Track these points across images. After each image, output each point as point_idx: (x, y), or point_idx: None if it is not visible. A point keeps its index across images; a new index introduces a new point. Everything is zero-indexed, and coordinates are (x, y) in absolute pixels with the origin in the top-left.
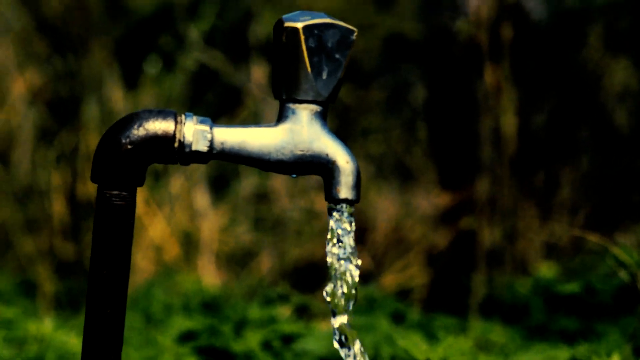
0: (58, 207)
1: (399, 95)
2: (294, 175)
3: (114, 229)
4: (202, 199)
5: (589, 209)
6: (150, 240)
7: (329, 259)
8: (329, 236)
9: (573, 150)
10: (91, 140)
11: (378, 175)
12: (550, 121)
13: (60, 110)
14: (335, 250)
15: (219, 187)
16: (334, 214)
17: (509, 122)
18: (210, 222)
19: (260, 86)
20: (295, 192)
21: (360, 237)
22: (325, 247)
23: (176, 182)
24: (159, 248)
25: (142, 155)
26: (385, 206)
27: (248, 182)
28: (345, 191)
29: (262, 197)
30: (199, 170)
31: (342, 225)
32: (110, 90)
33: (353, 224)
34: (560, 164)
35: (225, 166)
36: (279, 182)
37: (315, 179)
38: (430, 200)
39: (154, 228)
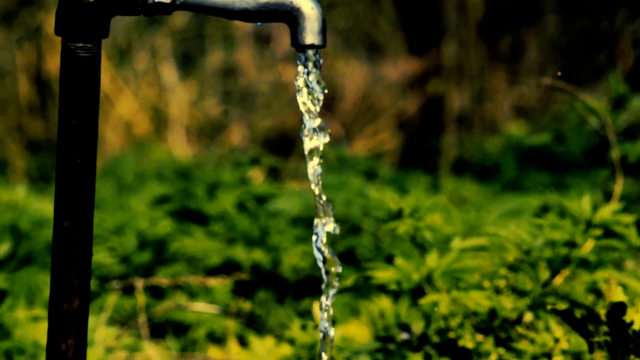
0: (24, 86)
1: None
2: (259, 24)
3: (81, 82)
4: (169, 74)
5: (555, 71)
6: (119, 116)
7: (301, 107)
8: (298, 83)
9: (539, 13)
10: (52, 20)
11: (345, 47)
12: None
13: None
14: (304, 98)
15: (186, 62)
16: (302, 60)
17: None
18: (179, 97)
19: None
20: (262, 64)
21: (329, 106)
22: (295, 117)
23: (142, 58)
24: (128, 124)
25: (106, 6)
26: (353, 76)
27: (214, 57)
28: (311, 37)
29: (229, 71)
30: (165, 46)
31: (310, 72)
32: None
33: (320, 68)
34: (526, 27)
35: (190, 42)
36: (245, 56)
37: (282, 51)
38: (398, 68)
39: (122, 104)
